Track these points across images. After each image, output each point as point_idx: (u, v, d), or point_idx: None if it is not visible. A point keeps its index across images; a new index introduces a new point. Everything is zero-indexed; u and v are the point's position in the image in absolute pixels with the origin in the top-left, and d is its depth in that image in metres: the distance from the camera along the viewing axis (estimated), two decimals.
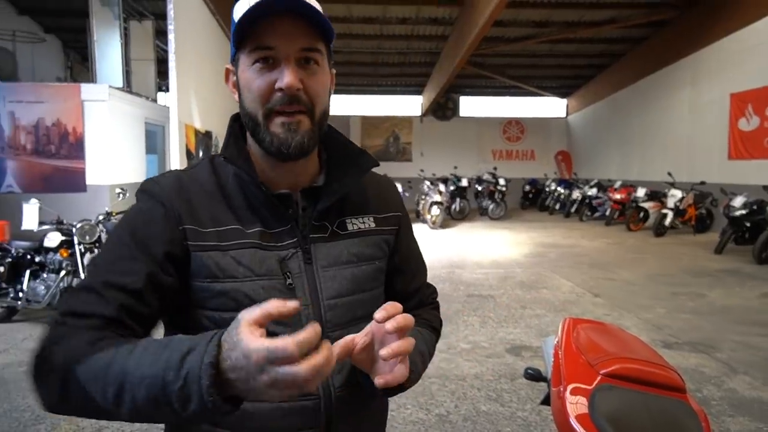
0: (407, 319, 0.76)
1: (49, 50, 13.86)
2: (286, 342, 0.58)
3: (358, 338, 0.80)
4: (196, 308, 0.88)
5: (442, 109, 22.47)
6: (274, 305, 0.62)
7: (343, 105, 25.04)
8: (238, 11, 0.85)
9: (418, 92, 23.32)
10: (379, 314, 0.75)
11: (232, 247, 0.87)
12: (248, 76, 0.87)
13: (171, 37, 8.08)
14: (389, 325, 0.74)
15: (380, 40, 16.80)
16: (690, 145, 13.52)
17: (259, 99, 0.86)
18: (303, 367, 0.59)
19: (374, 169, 1.04)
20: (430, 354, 1.02)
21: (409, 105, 24.34)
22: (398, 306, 0.77)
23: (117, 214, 5.19)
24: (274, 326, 0.75)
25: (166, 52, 8.78)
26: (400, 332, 0.76)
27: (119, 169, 8.43)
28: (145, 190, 0.91)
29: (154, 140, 10.39)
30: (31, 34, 11.71)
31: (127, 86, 9.32)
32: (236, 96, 0.92)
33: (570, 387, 1.45)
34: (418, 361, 0.93)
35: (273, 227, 0.91)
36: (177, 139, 8.36)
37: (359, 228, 0.99)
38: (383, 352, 0.76)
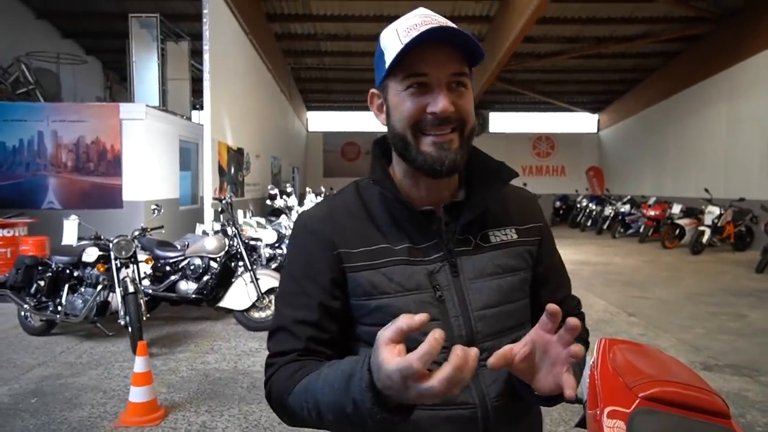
0: (578, 321, 0.75)
1: (90, 71, 14.42)
2: (410, 360, 0.63)
3: (516, 348, 0.80)
4: (357, 323, 0.96)
5: None
6: (404, 321, 0.66)
7: (373, 121, 25.10)
8: (391, 39, 0.90)
9: None
10: (552, 306, 0.75)
11: (383, 265, 0.93)
12: (400, 100, 0.92)
13: (206, 57, 8.32)
14: (571, 322, 0.74)
15: None
16: (727, 161, 13.15)
17: (409, 120, 0.91)
18: (435, 383, 0.63)
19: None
20: (581, 367, 1.05)
21: None
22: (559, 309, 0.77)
23: (152, 229, 5.31)
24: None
25: (200, 71, 9.04)
26: (572, 333, 0.75)
27: (154, 185, 8.64)
28: (299, 223, 1.02)
29: (188, 157, 10.65)
30: (74, 56, 12.20)
31: (163, 105, 9.59)
32: (381, 118, 0.99)
33: (607, 410, 1.41)
34: (577, 371, 0.95)
35: (419, 243, 0.96)
36: (210, 156, 8.54)
37: (502, 240, 1.01)
38: (565, 353, 0.76)
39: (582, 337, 1.06)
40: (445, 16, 0.93)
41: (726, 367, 4.31)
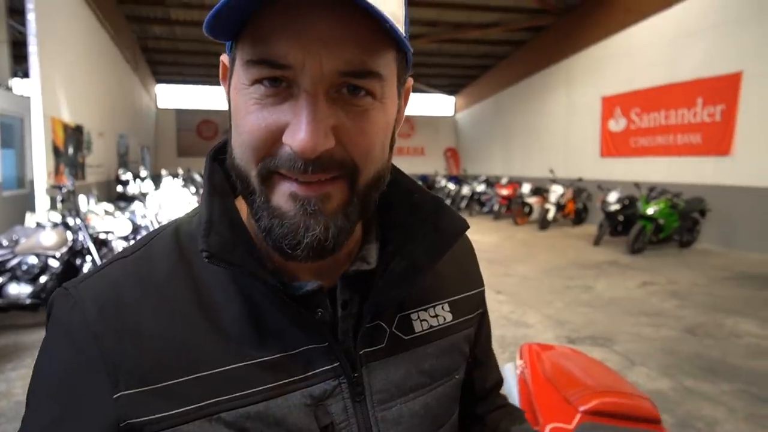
0: None
1: None
2: None
3: None
4: None
5: None
6: None
7: None
8: None
9: None
10: None
11: (228, 405, 0.52)
12: (241, 104, 0.50)
13: (30, 17, 7.07)
14: None
15: None
16: (567, 144, 14.56)
17: (255, 151, 0.50)
18: None
19: None
20: None
21: None
22: None
23: None
24: None
25: (21, 34, 7.68)
26: None
27: None
28: (61, 318, 0.54)
29: (10, 134, 9.07)
30: None
31: None
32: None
33: (549, 427, 1.32)
34: None
35: (295, 347, 0.56)
36: (42, 134, 7.35)
37: (431, 326, 0.65)
38: None
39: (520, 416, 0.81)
40: None
41: (586, 339, 4.69)
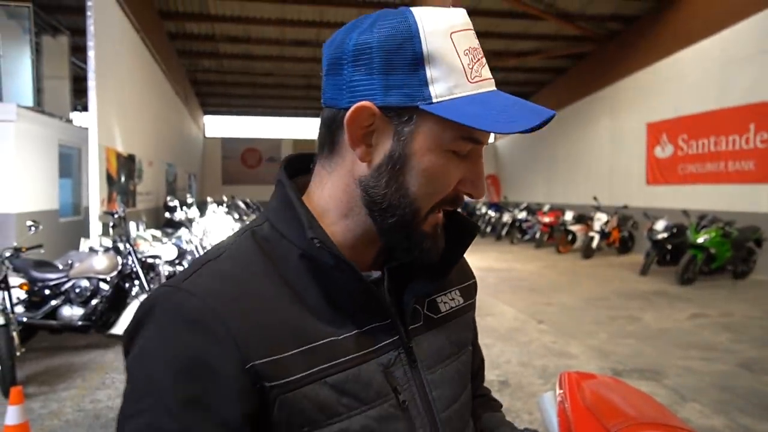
0: None
1: None
2: None
3: None
4: None
5: None
6: None
7: (275, 128, 24.58)
8: (446, 50, 0.61)
9: None
10: None
11: (329, 372, 0.62)
12: (440, 161, 0.64)
13: (91, 54, 7.52)
14: None
15: (314, 63, 16.66)
16: (611, 171, 14.26)
17: (436, 196, 0.66)
18: None
19: None
20: None
21: None
22: None
23: (28, 249, 4.61)
24: None
25: (82, 69, 8.16)
26: None
27: (28, 195, 7.64)
28: (171, 308, 0.60)
29: (69, 164, 9.59)
30: None
31: (39, 105, 8.54)
32: (360, 151, 0.64)
33: None
34: None
35: (365, 324, 0.67)
36: (96, 163, 7.72)
37: (451, 307, 0.80)
38: None
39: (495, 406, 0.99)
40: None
41: (632, 371, 4.51)
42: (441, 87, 0.61)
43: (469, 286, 0.87)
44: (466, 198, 0.68)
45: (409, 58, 0.60)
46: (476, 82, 0.63)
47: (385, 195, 0.65)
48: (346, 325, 0.65)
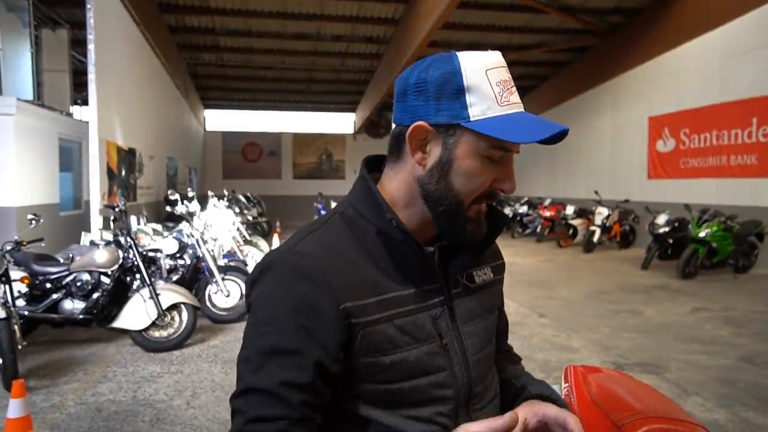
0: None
1: None
2: None
3: (521, 414, 0.86)
4: (361, 382, 0.87)
5: (376, 127, 22.52)
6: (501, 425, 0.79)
7: (276, 122, 24.51)
8: (481, 84, 0.83)
9: (352, 110, 23.24)
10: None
11: (396, 316, 0.86)
12: (476, 165, 0.86)
13: (91, 47, 7.49)
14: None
15: (314, 56, 16.60)
16: (612, 165, 14.22)
17: (481, 191, 0.87)
18: None
19: None
20: None
21: (342, 123, 24.18)
22: None
23: (29, 243, 4.60)
24: (437, 390, 0.89)
25: (82, 63, 8.13)
26: None
27: (28, 189, 7.62)
28: (289, 265, 0.85)
29: (69, 157, 9.56)
30: None
31: (38, 99, 8.51)
32: (417, 157, 0.88)
33: None
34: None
35: (421, 285, 0.90)
36: (97, 157, 7.71)
37: (483, 279, 1.02)
38: None
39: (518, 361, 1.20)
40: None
41: (635, 365, 4.51)
42: (477, 109, 0.82)
43: (499, 265, 1.09)
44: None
45: (453, 89, 0.82)
46: (505, 105, 0.83)
47: (436, 190, 0.87)
48: (408, 285, 0.89)
